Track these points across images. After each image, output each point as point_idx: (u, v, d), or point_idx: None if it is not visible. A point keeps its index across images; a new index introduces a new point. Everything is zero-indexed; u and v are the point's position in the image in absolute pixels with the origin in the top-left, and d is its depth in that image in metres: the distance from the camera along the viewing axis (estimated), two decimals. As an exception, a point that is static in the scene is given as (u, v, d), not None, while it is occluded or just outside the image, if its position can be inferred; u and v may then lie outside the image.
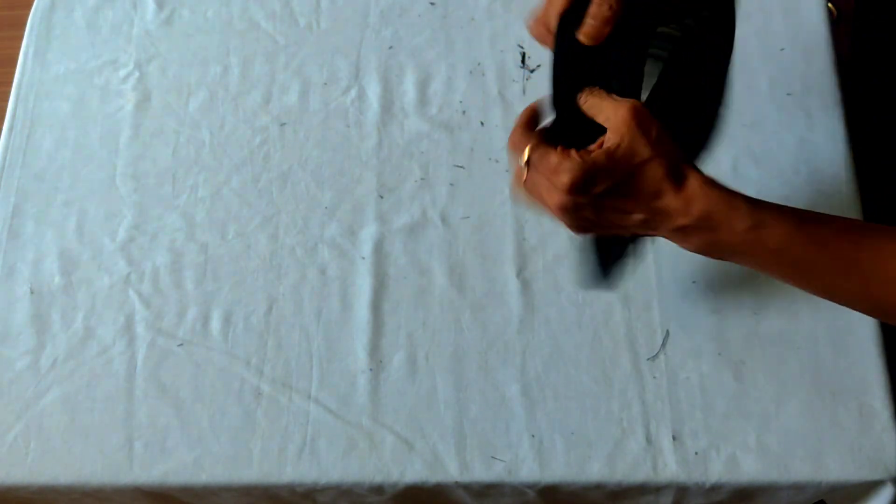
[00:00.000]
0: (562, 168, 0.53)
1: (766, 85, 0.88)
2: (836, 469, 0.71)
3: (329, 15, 0.96)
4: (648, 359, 0.77)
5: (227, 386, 0.78)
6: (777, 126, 0.86)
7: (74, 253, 0.85)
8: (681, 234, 0.55)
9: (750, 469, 0.72)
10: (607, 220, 0.55)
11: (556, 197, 0.54)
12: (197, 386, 0.78)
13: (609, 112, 0.54)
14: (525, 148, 0.55)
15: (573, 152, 0.53)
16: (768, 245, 0.53)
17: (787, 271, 0.56)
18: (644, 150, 0.52)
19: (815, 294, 0.57)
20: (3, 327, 0.82)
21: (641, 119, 0.52)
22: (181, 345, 0.80)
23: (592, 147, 0.54)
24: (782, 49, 0.90)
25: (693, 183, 0.53)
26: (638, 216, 0.54)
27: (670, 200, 0.53)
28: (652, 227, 0.55)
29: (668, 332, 0.78)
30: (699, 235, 0.54)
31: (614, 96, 0.55)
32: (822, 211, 0.55)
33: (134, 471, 0.75)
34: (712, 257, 0.57)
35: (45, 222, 0.87)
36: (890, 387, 0.74)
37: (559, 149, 0.54)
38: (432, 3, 0.96)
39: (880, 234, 0.54)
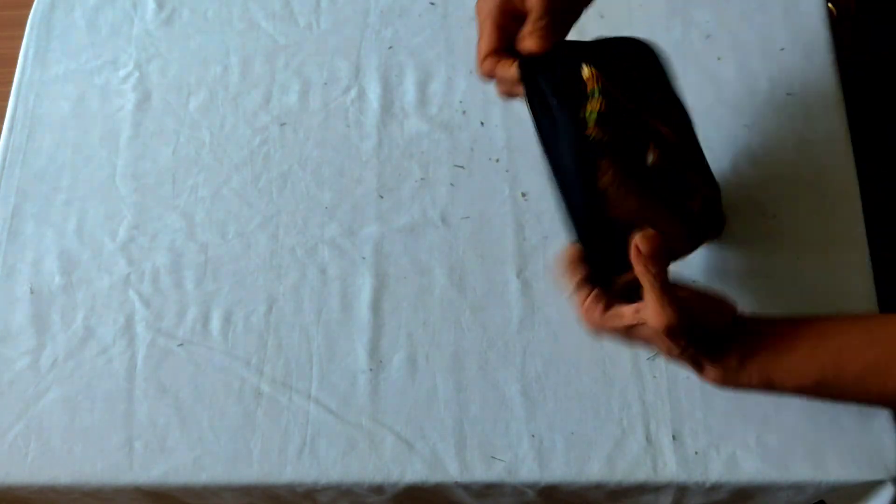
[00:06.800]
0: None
1: (766, 85, 0.88)
2: (836, 469, 0.71)
3: (329, 15, 0.96)
4: (648, 359, 0.77)
5: (227, 386, 0.78)
6: (777, 126, 0.86)
7: (74, 253, 0.85)
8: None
9: (750, 469, 0.72)
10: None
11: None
12: (197, 386, 0.78)
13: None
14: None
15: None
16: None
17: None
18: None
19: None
20: (3, 327, 0.82)
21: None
22: (181, 345, 0.80)
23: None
24: (782, 49, 0.89)
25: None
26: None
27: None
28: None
29: (668, 332, 0.78)
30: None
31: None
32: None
33: (134, 471, 0.75)
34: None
35: (45, 222, 0.87)
36: (890, 387, 0.74)
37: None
38: (432, 3, 0.96)
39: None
